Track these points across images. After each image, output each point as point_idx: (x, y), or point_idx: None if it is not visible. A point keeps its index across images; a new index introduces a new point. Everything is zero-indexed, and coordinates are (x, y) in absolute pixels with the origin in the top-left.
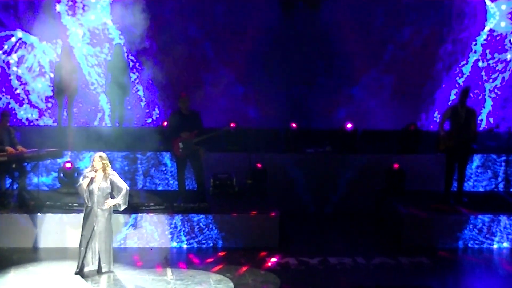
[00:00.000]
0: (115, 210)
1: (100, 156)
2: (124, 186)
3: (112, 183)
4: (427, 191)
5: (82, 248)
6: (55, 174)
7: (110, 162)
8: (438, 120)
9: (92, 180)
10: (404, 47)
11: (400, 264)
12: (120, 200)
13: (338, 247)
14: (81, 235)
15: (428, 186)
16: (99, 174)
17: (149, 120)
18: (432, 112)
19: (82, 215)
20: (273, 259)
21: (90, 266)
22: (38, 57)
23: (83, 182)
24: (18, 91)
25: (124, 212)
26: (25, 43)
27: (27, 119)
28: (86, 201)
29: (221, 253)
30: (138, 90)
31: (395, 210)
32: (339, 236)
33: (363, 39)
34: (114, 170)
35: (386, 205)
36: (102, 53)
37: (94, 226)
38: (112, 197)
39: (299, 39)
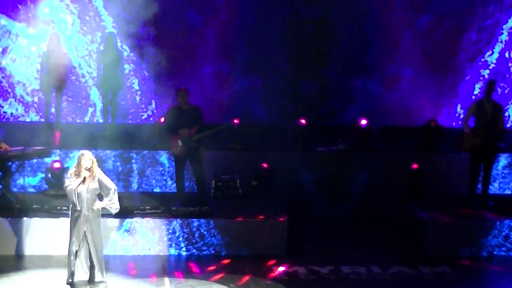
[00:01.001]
0: (104, 213)
1: (88, 154)
2: (112, 186)
3: (100, 183)
4: (449, 194)
5: (71, 257)
6: (42, 175)
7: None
8: (461, 116)
9: (83, 180)
10: (423, 36)
11: (420, 274)
12: (109, 202)
13: (351, 255)
14: (70, 242)
15: (451, 188)
16: (87, 174)
17: (145, 116)
18: (455, 107)
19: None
20: (281, 268)
21: (82, 275)
22: (24, 46)
23: (73, 183)
24: (2, 84)
25: (117, 216)
26: (9, 31)
27: (11, 114)
28: (76, 204)
29: (223, 261)
30: (133, 83)
31: (415, 215)
32: (352, 243)
33: (378, 29)
34: (106, 170)
35: (404, 209)
36: (94, 42)
37: (85, 232)
38: (100, 199)
39: (308, 30)
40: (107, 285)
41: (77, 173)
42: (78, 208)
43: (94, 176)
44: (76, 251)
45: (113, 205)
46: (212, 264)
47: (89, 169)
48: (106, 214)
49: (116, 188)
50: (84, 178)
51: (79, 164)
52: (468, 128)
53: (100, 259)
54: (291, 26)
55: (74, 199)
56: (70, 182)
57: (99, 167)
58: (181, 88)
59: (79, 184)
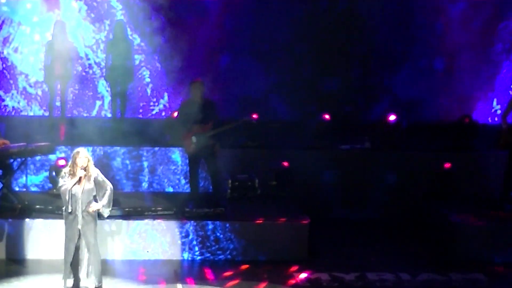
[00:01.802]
0: (111, 216)
1: (83, 152)
2: (108, 186)
3: (96, 184)
4: (483, 196)
5: (67, 262)
6: (46, 173)
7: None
8: (498, 112)
9: (78, 180)
10: (456, 26)
11: (451, 281)
12: (105, 203)
13: (378, 261)
14: (65, 247)
15: (485, 189)
16: (82, 174)
17: (156, 110)
18: (490, 102)
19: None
20: (302, 275)
21: (78, 281)
22: (27, 35)
23: (68, 183)
24: (3, 76)
25: (127, 218)
26: (11, 19)
27: (13, 108)
28: (68, 205)
29: (239, 267)
30: (144, 75)
31: (445, 218)
32: (379, 248)
33: (408, 19)
34: (115, 168)
35: (434, 212)
36: (102, 30)
37: (80, 235)
38: (96, 200)
39: (331, 22)
40: None
41: (72, 172)
42: (70, 210)
43: (89, 176)
44: (73, 256)
45: (107, 208)
46: (227, 269)
47: (84, 168)
48: (114, 215)
49: (112, 188)
50: (80, 178)
51: (74, 163)
52: (507, 124)
53: (96, 264)
54: (313, 18)
55: (67, 201)
56: (64, 182)
57: (107, 164)
58: (196, 80)
59: (74, 184)
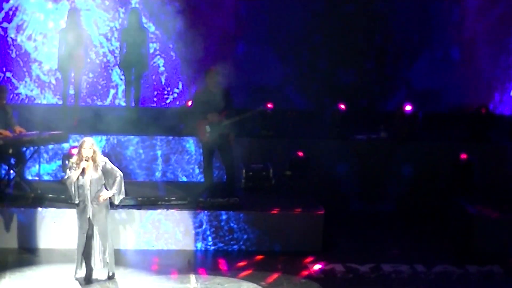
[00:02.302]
0: (125, 205)
1: (90, 142)
2: (118, 173)
3: (104, 172)
4: (501, 188)
5: (79, 251)
6: (59, 162)
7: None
8: None
9: (83, 171)
10: (473, 15)
11: (468, 274)
12: (115, 190)
13: (393, 252)
14: (78, 236)
15: (503, 181)
16: (89, 164)
17: (170, 99)
18: (508, 92)
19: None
20: (316, 266)
21: (91, 270)
22: (41, 22)
23: (72, 175)
24: (16, 63)
25: (140, 208)
26: (25, 6)
27: (26, 96)
28: (74, 197)
29: (253, 257)
30: (158, 64)
31: (462, 210)
32: (394, 240)
33: (425, 8)
34: (128, 157)
35: (451, 204)
36: (116, 19)
37: (93, 225)
38: (106, 189)
39: (348, 11)
40: (128, 281)
41: (78, 162)
42: (77, 202)
43: (97, 166)
44: (85, 246)
45: (117, 192)
46: (241, 260)
47: (89, 159)
48: (127, 205)
49: (121, 174)
50: (83, 168)
51: (79, 153)
52: None
53: (108, 254)
54: (330, 8)
55: (73, 192)
56: (70, 173)
57: (120, 153)
58: (211, 69)
59: (79, 175)
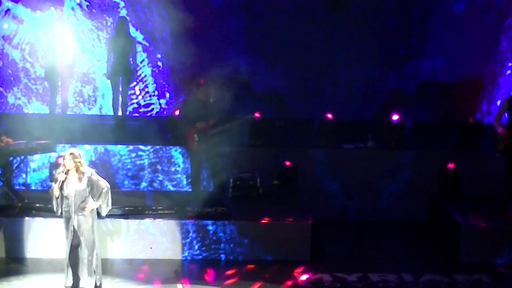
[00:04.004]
0: (112, 214)
1: (71, 154)
2: (104, 184)
3: (90, 183)
4: (488, 196)
5: (67, 261)
6: (46, 171)
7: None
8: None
9: (64, 182)
10: (458, 24)
11: (455, 283)
12: (101, 201)
13: (380, 262)
14: (66, 245)
15: (490, 189)
16: (72, 175)
17: (157, 108)
18: (495, 102)
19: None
20: (304, 275)
21: (78, 280)
22: (28, 30)
23: (55, 186)
24: (4, 72)
25: (127, 217)
26: (13, 15)
27: (13, 104)
28: (55, 208)
29: (241, 267)
30: (145, 73)
31: (449, 218)
32: (382, 248)
33: (411, 18)
34: (115, 166)
35: (438, 212)
36: (104, 27)
37: (78, 236)
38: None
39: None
40: None
41: (60, 173)
42: (58, 213)
43: (81, 177)
44: (72, 255)
45: (104, 205)
46: (228, 269)
47: (68, 171)
48: (114, 214)
49: (108, 186)
50: (67, 179)
51: (62, 164)
52: (501, 127)
53: (95, 263)
54: (318, 17)
55: (54, 203)
56: (54, 184)
57: (107, 162)
58: (202, 80)
59: (63, 185)
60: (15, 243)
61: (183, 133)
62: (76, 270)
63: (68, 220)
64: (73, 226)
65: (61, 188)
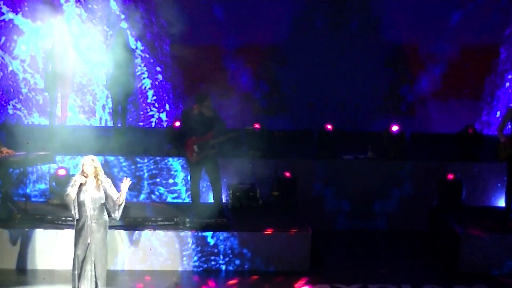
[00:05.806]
0: (112, 225)
1: (92, 159)
2: (117, 196)
3: (105, 193)
4: (488, 206)
5: (76, 272)
6: (46, 183)
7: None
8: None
9: (81, 188)
10: (459, 33)
11: None
12: (121, 202)
13: (380, 272)
14: (74, 255)
15: (490, 200)
16: (91, 181)
17: (156, 120)
18: (494, 113)
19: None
20: (304, 287)
21: None
22: (29, 42)
23: (71, 191)
24: (4, 83)
25: (126, 228)
26: (15, 25)
27: (13, 115)
28: (74, 214)
29: (240, 278)
30: (145, 84)
31: (449, 229)
32: (381, 259)
33: (411, 28)
34: (115, 177)
35: (439, 223)
36: (103, 38)
37: (88, 244)
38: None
39: (331, 29)
40: None
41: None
42: (77, 217)
43: (99, 184)
44: (81, 265)
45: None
46: (227, 280)
47: (88, 175)
48: (114, 226)
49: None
50: (81, 184)
51: (81, 170)
52: (504, 137)
53: (102, 274)
54: (318, 27)
55: (73, 209)
56: (70, 190)
57: (107, 173)
58: (203, 91)
59: (78, 192)
60: (15, 254)
61: (183, 144)
62: (86, 280)
63: (82, 228)
64: (87, 234)
65: (77, 194)
